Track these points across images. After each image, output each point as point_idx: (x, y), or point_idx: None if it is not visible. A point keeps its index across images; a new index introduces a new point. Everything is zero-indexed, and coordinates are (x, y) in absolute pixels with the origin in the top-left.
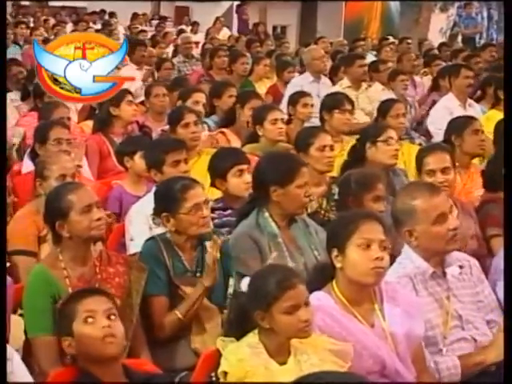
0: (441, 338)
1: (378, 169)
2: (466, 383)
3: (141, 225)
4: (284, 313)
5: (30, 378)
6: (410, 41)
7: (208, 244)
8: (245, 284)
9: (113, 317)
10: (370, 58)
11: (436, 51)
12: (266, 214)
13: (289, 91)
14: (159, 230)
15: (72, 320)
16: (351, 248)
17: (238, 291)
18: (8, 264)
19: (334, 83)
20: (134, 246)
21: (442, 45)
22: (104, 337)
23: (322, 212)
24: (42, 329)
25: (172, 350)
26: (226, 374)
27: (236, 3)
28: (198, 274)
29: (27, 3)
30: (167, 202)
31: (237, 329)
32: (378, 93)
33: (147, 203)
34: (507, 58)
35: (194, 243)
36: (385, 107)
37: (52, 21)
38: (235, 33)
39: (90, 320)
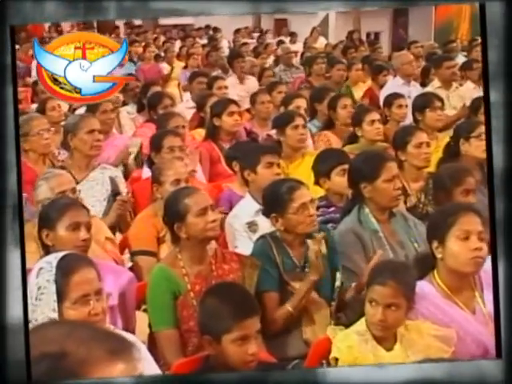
0: None
1: (471, 163)
2: None
3: (241, 232)
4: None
5: (156, 368)
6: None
7: (309, 241)
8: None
9: (258, 339)
10: (461, 59)
11: None
12: (367, 211)
13: (383, 94)
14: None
15: (222, 331)
16: (451, 239)
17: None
18: (131, 264)
19: (425, 84)
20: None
21: None
22: (247, 362)
23: (421, 206)
24: (164, 323)
25: (285, 340)
26: (337, 360)
27: (332, 13)
28: (306, 269)
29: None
30: (275, 203)
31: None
32: (469, 91)
33: (241, 211)
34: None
35: (301, 240)
36: (477, 105)
37: (162, 38)
38: (331, 41)
39: (239, 342)
